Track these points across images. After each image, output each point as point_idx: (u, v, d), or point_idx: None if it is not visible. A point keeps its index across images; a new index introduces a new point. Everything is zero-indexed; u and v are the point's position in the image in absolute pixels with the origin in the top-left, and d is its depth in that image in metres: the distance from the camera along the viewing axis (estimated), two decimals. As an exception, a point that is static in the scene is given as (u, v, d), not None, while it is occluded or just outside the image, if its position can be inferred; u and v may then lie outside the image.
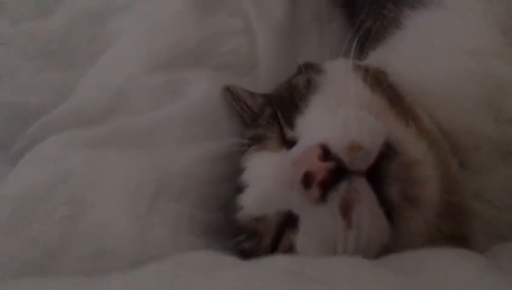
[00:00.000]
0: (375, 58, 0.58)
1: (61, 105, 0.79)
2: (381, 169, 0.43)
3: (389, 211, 0.43)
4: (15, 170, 0.68)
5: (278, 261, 0.40)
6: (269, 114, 0.57)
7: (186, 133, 0.71)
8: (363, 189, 0.42)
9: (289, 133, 0.52)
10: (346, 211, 0.42)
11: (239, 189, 0.54)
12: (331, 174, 0.42)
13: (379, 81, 0.52)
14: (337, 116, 0.46)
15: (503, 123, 0.48)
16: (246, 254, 0.49)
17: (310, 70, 0.58)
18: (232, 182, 0.58)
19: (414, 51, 0.54)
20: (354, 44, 0.57)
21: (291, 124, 0.52)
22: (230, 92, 0.72)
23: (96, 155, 0.66)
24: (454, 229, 0.46)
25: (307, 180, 0.42)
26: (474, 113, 0.49)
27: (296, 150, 0.46)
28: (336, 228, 0.42)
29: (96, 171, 0.64)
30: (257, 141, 0.56)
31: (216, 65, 0.82)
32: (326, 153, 0.42)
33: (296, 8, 0.91)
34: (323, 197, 0.42)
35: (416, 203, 0.44)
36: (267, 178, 0.49)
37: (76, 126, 0.74)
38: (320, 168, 0.42)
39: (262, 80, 0.80)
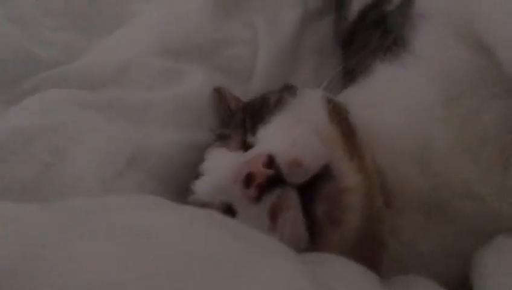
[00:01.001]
0: (345, 95, 0.66)
1: (68, 64, 0.87)
2: (315, 187, 0.50)
3: (312, 225, 0.50)
4: (11, 110, 0.75)
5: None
6: (239, 118, 0.65)
7: (171, 118, 0.78)
8: (292, 199, 0.48)
9: (249, 139, 0.59)
10: (273, 214, 0.48)
11: (196, 176, 0.61)
12: (268, 180, 0.48)
13: (339, 116, 0.59)
14: (291, 134, 0.53)
15: (427, 177, 0.55)
16: None
17: (286, 91, 0.65)
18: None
19: (371, 98, 0.61)
20: (334, 80, 0.65)
21: (253, 132, 0.59)
22: (219, 93, 0.79)
23: (86, 116, 0.73)
24: (366, 255, 0.52)
25: (248, 179, 0.49)
26: (406, 164, 0.55)
27: (248, 154, 0.53)
28: (263, 227, 0.49)
29: (81, 129, 0.71)
30: (222, 139, 0.63)
31: (216, 66, 0.89)
32: (270, 162, 0.49)
33: (303, 35, 0.98)
34: (258, 198, 0.49)
35: (337, 224, 0.50)
36: (219, 171, 0.56)
37: (76, 87, 0.80)
38: (261, 173, 0.48)
39: (253, 91, 0.87)
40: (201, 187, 0.58)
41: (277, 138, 0.54)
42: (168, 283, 0.31)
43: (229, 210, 0.54)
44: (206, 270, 0.34)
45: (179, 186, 0.69)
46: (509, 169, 0.51)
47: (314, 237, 0.50)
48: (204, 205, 0.55)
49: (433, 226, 0.55)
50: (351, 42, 0.81)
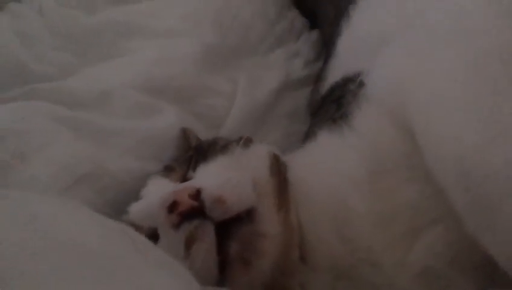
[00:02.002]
0: (291, 156, 0.71)
1: (57, 81, 0.93)
2: (234, 227, 0.54)
3: (224, 262, 0.53)
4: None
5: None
6: (188, 156, 0.70)
7: (135, 147, 0.83)
8: (207, 232, 0.52)
9: (190, 174, 0.64)
10: (189, 242, 0.52)
11: (135, 199, 0.65)
12: (191, 210, 0.52)
13: (279, 171, 0.64)
14: (224, 175, 0.57)
15: (341, 241, 0.58)
16: None
17: (239, 141, 0.71)
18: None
19: (308, 160, 0.66)
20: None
21: (194, 168, 0.64)
22: (184, 133, 0.85)
23: (56, 129, 0.78)
24: None
25: (172, 206, 0.53)
26: (325, 226, 0.59)
27: (180, 185, 0.58)
28: (179, 255, 0.53)
29: (47, 140, 0.75)
30: (167, 170, 0.68)
31: (192, 110, 0.95)
32: (197, 195, 0.53)
33: (280, 100, 1.05)
34: (178, 225, 0.53)
35: (248, 265, 0.54)
36: (152, 196, 0.60)
37: (57, 102, 0.86)
38: (185, 202, 0.52)
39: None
40: (135, 209, 0.62)
41: (211, 176, 0.59)
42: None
43: (153, 236, 0.57)
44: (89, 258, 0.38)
45: (123, 208, 0.73)
46: (413, 248, 0.55)
47: (224, 275, 0.53)
48: (135, 227, 0.59)
49: (340, 288, 0.59)
50: (317, 113, 0.87)
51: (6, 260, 0.35)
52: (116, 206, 0.75)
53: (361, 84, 0.66)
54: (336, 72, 0.85)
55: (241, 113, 0.97)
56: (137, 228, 0.59)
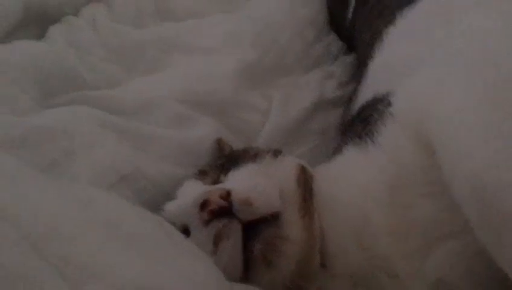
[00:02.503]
0: (319, 167, 0.75)
1: (105, 90, 1.00)
2: (260, 228, 0.58)
3: (248, 260, 0.57)
4: (44, 112, 0.87)
5: None
6: (221, 162, 0.75)
7: (173, 154, 0.89)
8: (235, 230, 0.57)
9: (221, 178, 0.69)
10: (217, 239, 0.56)
11: (171, 198, 0.70)
12: (220, 209, 0.57)
13: (305, 181, 0.68)
14: (254, 180, 0.62)
15: (360, 250, 0.61)
16: None
17: (270, 151, 0.75)
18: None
19: (334, 172, 0.70)
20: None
21: (226, 173, 0.69)
22: (218, 143, 0.90)
23: (101, 133, 0.85)
24: None
25: (203, 204, 0.58)
26: (345, 235, 0.62)
27: (212, 186, 0.63)
28: (208, 250, 0.57)
29: (94, 142, 0.82)
30: (200, 174, 0.73)
31: (227, 123, 1.01)
32: (226, 196, 0.58)
33: (313, 117, 1.09)
34: (207, 222, 0.57)
35: (270, 266, 0.58)
36: (186, 196, 0.65)
37: (104, 109, 0.93)
38: (215, 202, 0.57)
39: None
40: (169, 207, 0.67)
41: (241, 180, 0.63)
42: None
43: (185, 231, 0.62)
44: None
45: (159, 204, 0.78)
46: (428, 259, 0.58)
47: (248, 272, 0.57)
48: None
49: None
50: (346, 131, 0.90)
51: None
52: (153, 207, 0.81)
53: (388, 104, 0.69)
54: (366, 93, 0.88)
55: (274, 129, 1.02)
56: (171, 224, 0.64)
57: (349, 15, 1.31)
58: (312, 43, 1.29)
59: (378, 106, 0.73)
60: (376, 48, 0.93)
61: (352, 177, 0.65)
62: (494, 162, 0.49)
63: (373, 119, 0.71)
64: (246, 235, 0.57)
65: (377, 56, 0.91)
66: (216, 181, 0.70)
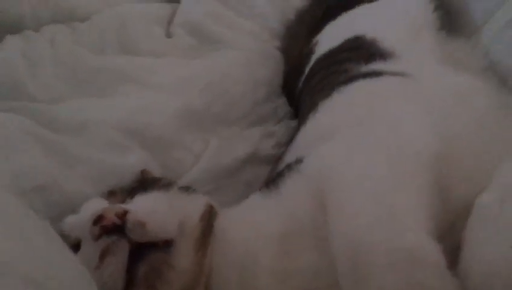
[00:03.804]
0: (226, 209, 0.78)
1: (45, 104, 1.02)
2: (149, 252, 0.60)
3: (131, 281, 0.58)
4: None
5: None
6: (133, 186, 0.78)
7: (96, 178, 0.91)
8: (122, 248, 0.58)
9: (127, 200, 0.71)
10: (103, 254, 0.58)
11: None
12: (113, 226, 0.59)
13: (210, 218, 0.71)
14: (155, 205, 0.64)
15: (242, 288, 0.64)
16: None
17: (182, 187, 0.78)
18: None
19: (236, 215, 0.74)
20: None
21: (133, 196, 0.71)
22: (142, 174, 0.92)
23: (28, 141, 0.87)
24: None
25: (97, 219, 0.59)
26: (233, 274, 0.65)
27: (112, 205, 0.65)
28: (93, 265, 0.58)
29: (13, 146, 0.85)
30: (109, 194, 0.76)
31: (159, 159, 1.04)
32: (123, 215, 0.60)
33: (240, 171, 1.12)
34: (98, 236, 0.59)
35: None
36: (87, 212, 0.67)
37: (40, 122, 0.95)
38: (109, 218, 0.59)
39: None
40: (68, 220, 0.68)
41: (143, 203, 0.66)
42: None
43: (77, 246, 0.63)
44: None
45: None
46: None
47: None
48: (64, 235, 0.65)
49: None
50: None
51: None
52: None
53: (300, 163, 0.74)
54: (291, 155, 0.93)
55: (203, 173, 1.05)
56: (65, 237, 0.65)
57: (300, 84, 1.38)
58: (261, 102, 1.34)
59: (292, 165, 0.78)
60: (310, 117, 0.99)
61: (249, 219, 0.69)
62: (373, 230, 0.54)
63: (284, 174, 0.76)
64: (135, 257, 0.59)
65: (307, 123, 0.97)
66: (122, 203, 0.72)
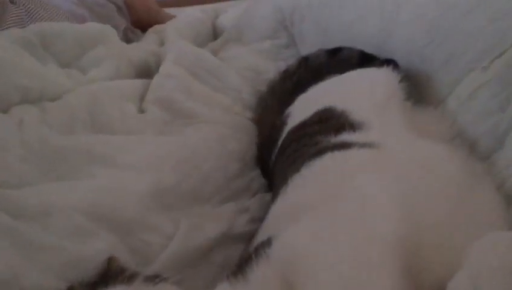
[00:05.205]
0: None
1: (11, 189, 0.99)
2: None
3: None
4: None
5: None
6: (94, 280, 0.76)
7: (59, 268, 0.87)
8: None
9: None
10: None
11: None
12: None
13: None
14: None
15: None
16: None
17: (149, 277, 0.74)
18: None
19: None
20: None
21: None
22: (108, 263, 0.88)
23: None
24: None
25: None
26: None
27: None
28: None
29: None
30: None
31: (127, 242, 1.00)
32: None
33: (213, 251, 1.08)
34: None
35: None
36: None
37: (4, 209, 0.92)
38: None
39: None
40: None
41: None
42: None
43: None
44: None
45: None
46: None
47: None
48: None
49: None
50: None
51: None
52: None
53: (269, 246, 0.72)
54: (263, 233, 0.91)
55: (175, 255, 1.01)
56: None
57: (273, 156, 1.38)
58: (234, 177, 1.33)
59: (260, 248, 0.76)
60: (281, 192, 0.98)
61: None
62: None
63: (252, 259, 0.73)
64: None
65: (278, 199, 0.95)
66: None
